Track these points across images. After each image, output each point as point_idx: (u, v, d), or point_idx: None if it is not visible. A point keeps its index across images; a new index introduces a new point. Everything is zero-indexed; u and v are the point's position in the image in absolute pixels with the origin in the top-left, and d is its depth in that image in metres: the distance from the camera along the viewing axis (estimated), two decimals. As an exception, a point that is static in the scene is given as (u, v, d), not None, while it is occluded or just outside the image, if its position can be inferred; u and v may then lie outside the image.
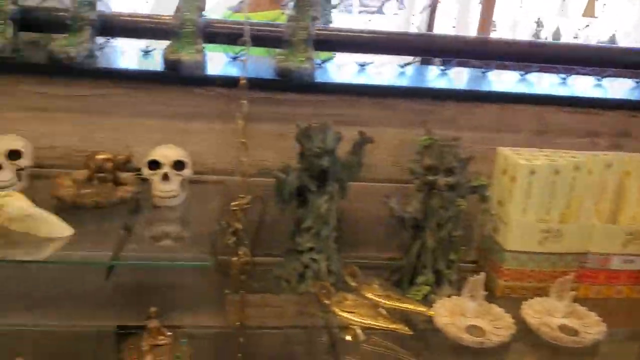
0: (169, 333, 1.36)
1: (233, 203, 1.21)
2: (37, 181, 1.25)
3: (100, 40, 1.39)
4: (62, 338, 1.43)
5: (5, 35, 1.23)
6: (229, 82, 1.27)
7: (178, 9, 1.27)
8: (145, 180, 1.25)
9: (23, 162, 1.20)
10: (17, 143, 1.20)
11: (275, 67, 1.31)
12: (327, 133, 1.20)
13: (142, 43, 1.44)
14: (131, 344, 1.37)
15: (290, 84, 1.30)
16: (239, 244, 1.23)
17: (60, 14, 1.31)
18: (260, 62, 1.39)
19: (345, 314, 1.18)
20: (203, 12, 1.29)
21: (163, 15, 1.36)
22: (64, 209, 1.14)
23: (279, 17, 1.60)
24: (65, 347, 1.41)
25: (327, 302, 1.20)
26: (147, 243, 1.18)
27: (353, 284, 1.26)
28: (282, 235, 1.31)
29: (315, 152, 1.20)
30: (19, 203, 1.05)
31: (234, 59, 1.43)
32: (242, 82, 1.22)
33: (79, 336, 1.44)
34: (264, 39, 1.33)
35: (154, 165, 1.23)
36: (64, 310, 1.43)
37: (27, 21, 1.30)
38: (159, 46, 1.40)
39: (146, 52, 1.43)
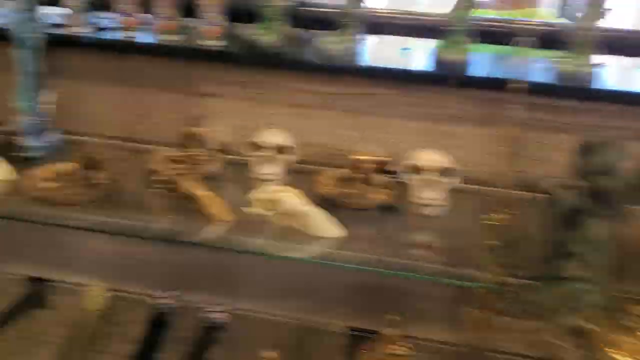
0: (408, 345, 1.31)
1: (490, 217, 1.12)
2: (297, 176, 1.27)
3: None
4: (297, 331, 1.46)
5: (280, 31, 1.26)
6: (497, 84, 1.17)
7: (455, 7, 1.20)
8: (401, 184, 1.20)
9: (290, 157, 1.22)
10: (286, 139, 1.23)
11: (553, 70, 1.19)
12: (615, 150, 1.05)
13: (390, 40, 1.40)
14: (365, 348, 1.34)
15: (571, 89, 1.16)
16: (492, 261, 1.13)
17: (323, 9, 1.32)
18: (528, 63, 1.27)
19: (621, 358, 1.03)
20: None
21: (427, 13, 1.31)
22: (324, 207, 1.13)
23: (536, 15, 1.45)
24: (297, 340, 1.44)
25: (598, 341, 1.06)
26: (405, 251, 1.13)
27: (631, 323, 1.09)
28: (542, 258, 1.18)
29: (600, 170, 1.06)
30: (294, 199, 1.06)
31: (500, 59, 1.33)
32: (515, 85, 1.12)
33: (311, 331, 1.46)
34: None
35: (416, 170, 1.18)
36: (301, 304, 1.46)
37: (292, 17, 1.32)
38: (413, 44, 1.36)
39: (404, 50, 1.38)
